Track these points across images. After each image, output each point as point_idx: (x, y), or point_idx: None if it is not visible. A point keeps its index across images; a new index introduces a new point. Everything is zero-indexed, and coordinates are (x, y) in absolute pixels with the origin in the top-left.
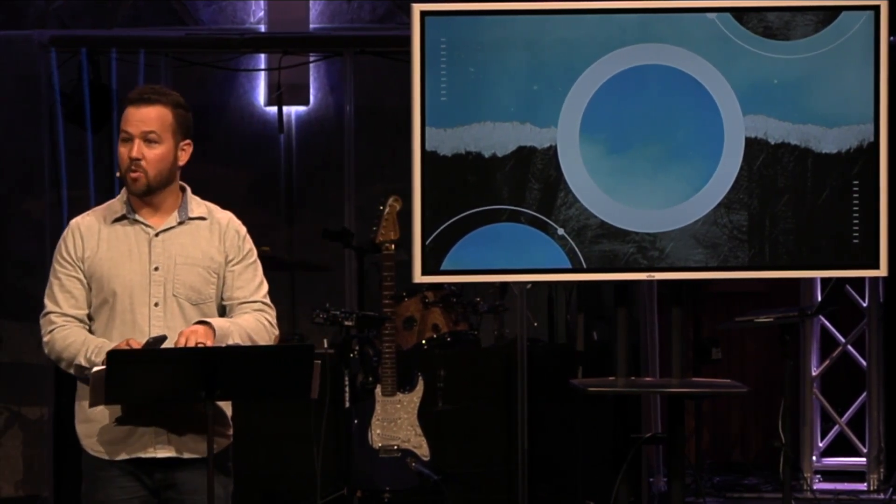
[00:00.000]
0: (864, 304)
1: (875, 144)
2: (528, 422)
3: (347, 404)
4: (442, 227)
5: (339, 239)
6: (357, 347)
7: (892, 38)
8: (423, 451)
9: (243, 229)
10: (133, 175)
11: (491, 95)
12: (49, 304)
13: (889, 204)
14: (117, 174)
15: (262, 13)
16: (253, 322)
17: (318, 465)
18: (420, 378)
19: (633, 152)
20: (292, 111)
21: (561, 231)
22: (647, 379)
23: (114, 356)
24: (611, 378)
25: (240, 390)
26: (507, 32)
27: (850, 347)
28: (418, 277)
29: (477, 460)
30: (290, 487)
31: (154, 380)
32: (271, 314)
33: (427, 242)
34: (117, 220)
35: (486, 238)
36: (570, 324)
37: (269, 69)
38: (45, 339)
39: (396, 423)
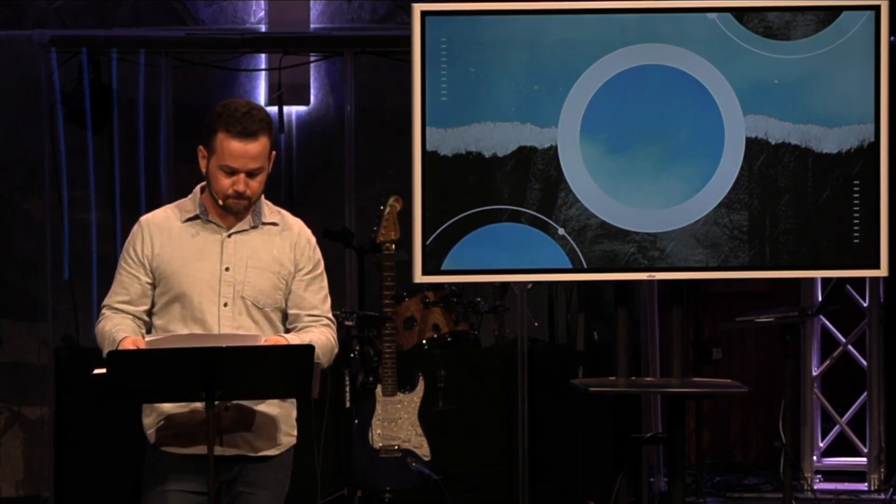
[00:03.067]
0: (865, 304)
1: (875, 144)
2: (528, 422)
3: (348, 404)
4: (442, 227)
5: (339, 239)
6: (358, 347)
7: (892, 37)
8: (424, 451)
9: (314, 239)
10: (236, 202)
11: (491, 95)
12: (107, 298)
13: (889, 204)
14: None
15: (262, 13)
16: (324, 339)
17: (318, 465)
18: (420, 378)
19: (633, 152)
20: (293, 111)
21: (561, 231)
22: (648, 379)
23: (114, 356)
24: (611, 378)
25: (240, 390)
26: (508, 32)
27: (850, 347)
28: (419, 277)
29: (477, 460)
30: (290, 487)
31: (154, 380)
32: (335, 329)
33: (427, 242)
34: (190, 219)
35: (487, 238)
36: (570, 324)
37: (269, 69)
38: (96, 329)
39: (397, 423)
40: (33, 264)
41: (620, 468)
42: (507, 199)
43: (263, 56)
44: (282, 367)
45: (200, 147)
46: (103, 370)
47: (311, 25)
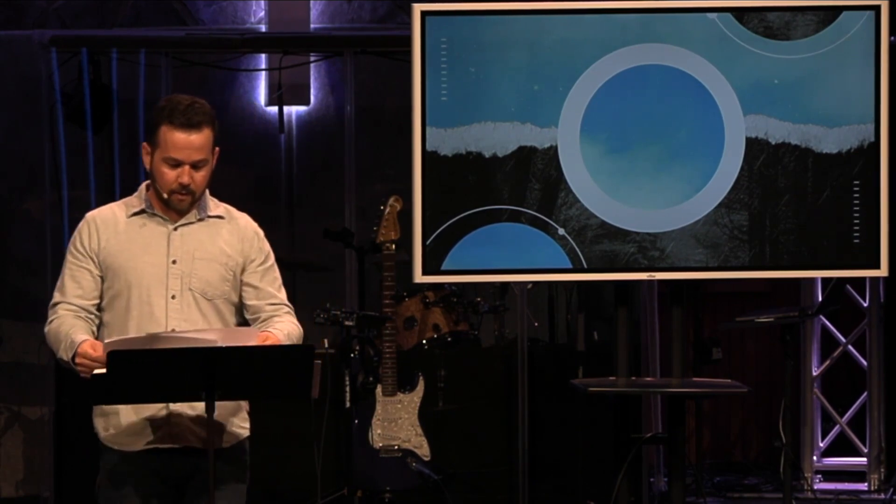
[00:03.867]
0: (865, 304)
1: (876, 144)
2: (528, 422)
3: (348, 404)
4: (442, 227)
5: (339, 239)
6: (358, 347)
7: (892, 38)
8: (424, 451)
9: (261, 231)
10: (180, 197)
11: (491, 95)
12: (57, 294)
13: (890, 204)
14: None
15: (262, 13)
16: (296, 330)
17: (318, 465)
18: (420, 378)
19: (633, 152)
20: (293, 111)
21: (561, 231)
22: (648, 379)
23: (114, 356)
24: (611, 378)
25: (240, 390)
26: (508, 32)
27: (850, 347)
28: (419, 277)
29: (477, 460)
30: (290, 487)
31: (154, 380)
32: (294, 316)
33: (428, 242)
34: (135, 213)
35: (487, 238)
36: (570, 324)
37: (269, 69)
38: (46, 328)
39: (397, 423)
40: (33, 264)
41: (620, 468)
42: (507, 199)
43: (263, 56)
44: (282, 367)
45: (144, 144)
46: (103, 370)
47: (311, 25)
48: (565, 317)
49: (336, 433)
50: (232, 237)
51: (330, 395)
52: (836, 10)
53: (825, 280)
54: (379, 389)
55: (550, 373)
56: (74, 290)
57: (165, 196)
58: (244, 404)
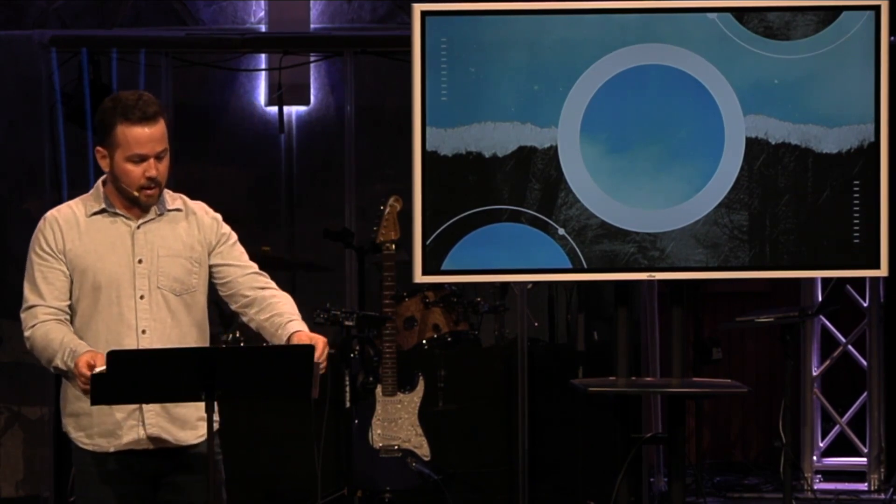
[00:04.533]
0: (865, 304)
1: (876, 144)
2: (528, 422)
3: (348, 404)
4: (442, 227)
5: (339, 239)
6: (358, 347)
7: (892, 38)
8: (424, 450)
9: (218, 216)
10: (149, 192)
11: (491, 95)
12: (32, 298)
13: (890, 204)
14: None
15: (262, 13)
16: (292, 303)
17: (318, 465)
18: (421, 378)
19: (633, 152)
20: (293, 111)
21: (561, 231)
22: (648, 379)
23: (114, 356)
24: (611, 378)
25: (240, 390)
26: (508, 32)
27: (850, 347)
28: (419, 277)
29: (477, 460)
30: (290, 487)
31: (154, 380)
32: (272, 282)
33: (428, 242)
34: (96, 213)
35: (487, 238)
36: (570, 324)
37: (269, 69)
38: (27, 333)
39: (397, 423)
40: None
41: (620, 468)
42: (507, 199)
43: (263, 56)
44: (282, 367)
45: (98, 148)
46: (103, 369)
47: (311, 25)
48: (565, 317)
49: (336, 433)
50: (192, 228)
51: (330, 395)
52: (836, 10)
53: (825, 280)
54: (379, 389)
55: (550, 373)
56: (51, 291)
57: (135, 194)
58: None
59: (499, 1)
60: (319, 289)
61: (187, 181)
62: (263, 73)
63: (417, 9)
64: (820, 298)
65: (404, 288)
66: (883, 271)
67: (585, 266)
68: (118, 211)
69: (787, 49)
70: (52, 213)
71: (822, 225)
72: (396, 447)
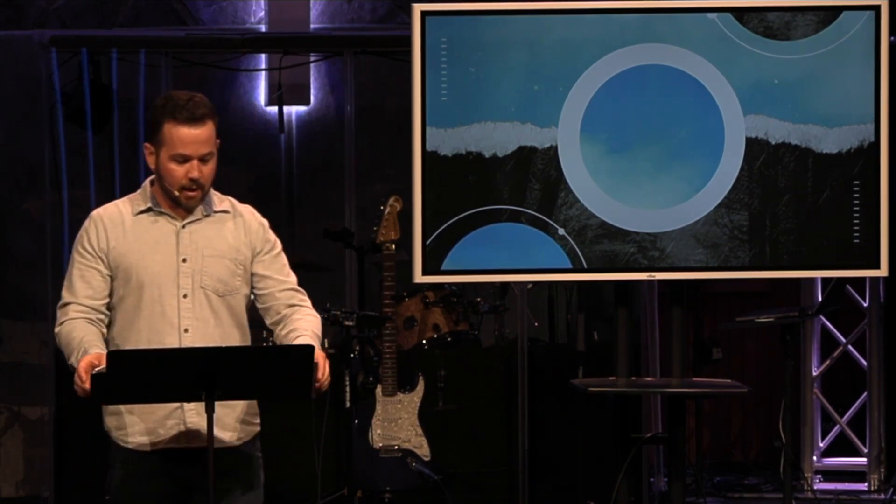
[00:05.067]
0: (865, 304)
1: (876, 144)
2: (528, 422)
3: (348, 404)
4: (442, 227)
5: (339, 239)
6: (358, 347)
7: (892, 38)
8: (424, 451)
9: (265, 221)
10: (191, 193)
11: (491, 95)
12: (66, 295)
13: (890, 204)
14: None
15: (262, 13)
16: (317, 322)
17: (318, 465)
18: (421, 378)
19: (633, 152)
20: (293, 111)
21: (561, 231)
22: (648, 379)
23: (114, 356)
24: (611, 378)
25: (240, 390)
26: (508, 32)
27: (850, 347)
28: (419, 277)
29: (477, 460)
30: (290, 487)
31: (154, 380)
32: (308, 301)
33: (428, 242)
34: (142, 212)
35: (487, 238)
36: (570, 324)
37: (269, 69)
38: (57, 329)
39: (397, 423)
40: (33, 264)
41: (620, 468)
42: (507, 199)
43: (263, 56)
44: (281, 367)
45: (147, 144)
46: (103, 368)
47: (311, 25)
48: (565, 317)
49: (336, 433)
50: (238, 230)
51: (330, 395)
52: (836, 10)
53: (825, 280)
54: (379, 389)
55: (550, 373)
56: (84, 290)
57: (176, 193)
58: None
59: (499, 1)
60: (319, 289)
61: None
62: (263, 73)
63: (417, 9)
64: (820, 298)
65: (404, 288)
66: (883, 271)
67: (585, 266)
68: (164, 210)
69: (787, 49)
70: (97, 212)
71: (822, 225)
72: (396, 447)
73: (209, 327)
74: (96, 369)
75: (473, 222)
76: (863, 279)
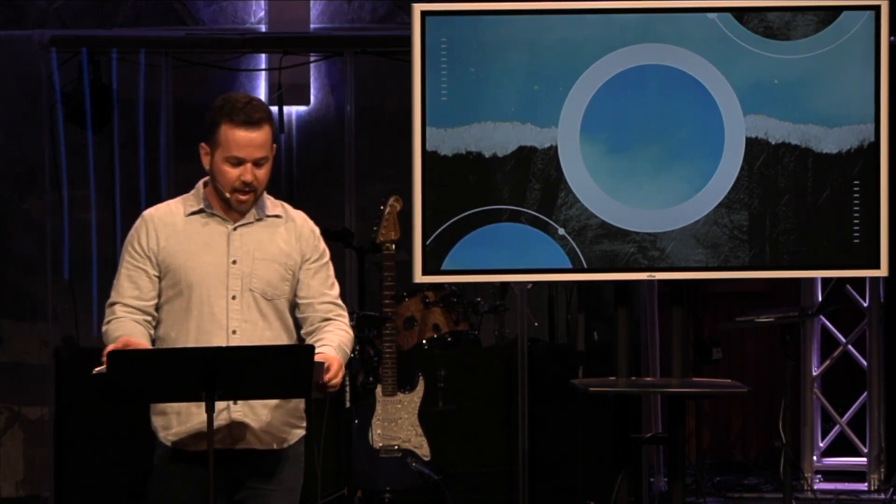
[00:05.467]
0: (865, 304)
1: (876, 144)
2: (528, 422)
3: (348, 404)
4: (442, 227)
5: (339, 239)
6: (358, 347)
7: (892, 38)
8: (424, 450)
9: (317, 230)
10: (243, 197)
11: (491, 95)
12: (114, 294)
13: (890, 204)
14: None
15: (262, 13)
16: (347, 337)
17: (318, 465)
18: (421, 378)
19: (633, 152)
20: (293, 111)
21: (561, 231)
22: (648, 379)
23: (114, 356)
24: (611, 378)
25: (240, 390)
26: (508, 32)
27: (850, 347)
28: (419, 277)
29: (477, 460)
30: None
31: (154, 380)
32: (346, 316)
33: (428, 242)
34: (194, 213)
35: (487, 238)
36: (570, 324)
37: (269, 69)
38: (104, 328)
39: (397, 422)
40: (33, 264)
41: (620, 468)
42: (507, 199)
43: (263, 56)
44: (281, 367)
45: (202, 144)
46: (103, 368)
47: (311, 25)
48: (565, 317)
49: (336, 433)
50: (290, 236)
51: (330, 395)
52: (836, 10)
53: (825, 280)
54: (379, 389)
55: (550, 373)
56: (131, 290)
57: (227, 195)
58: (301, 402)
59: (499, 1)
60: None
61: (187, 181)
62: (263, 73)
63: (417, 9)
64: (820, 298)
65: (404, 288)
66: (883, 271)
67: (585, 266)
68: (216, 212)
69: (787, 49)
70: (149, 212)
71: (822, 225)
72: (396, 447)
73: (257, 329)
74: (97, 369)
75: (473, 222)
76: (863, 279)
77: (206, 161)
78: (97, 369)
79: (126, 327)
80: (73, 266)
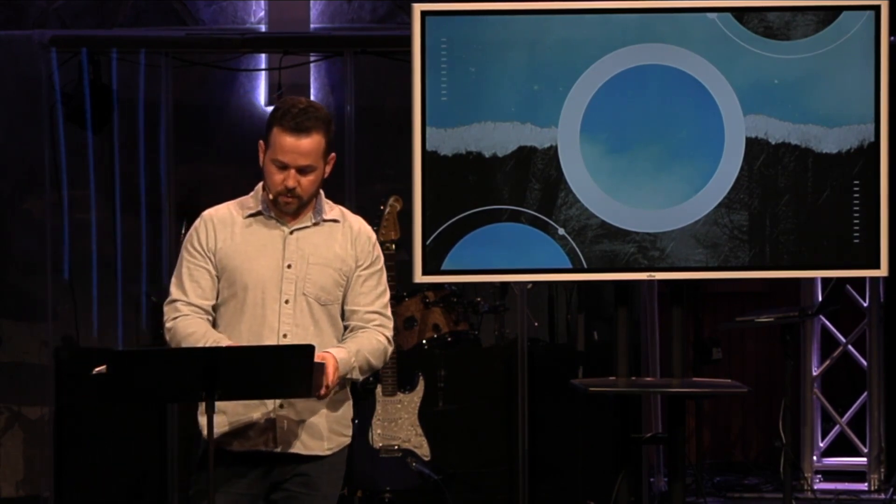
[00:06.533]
0: (865, 304)
1: (875, 144)
2: (528, 422)
3: None
4: (442, 227)
5: None
6: None
7: (892, 38)
8: (424, 450)
9: (374, 236)
10: (286, 199)
11: (491, 95)
12: (176, 292)
13: (889, 204)
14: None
15: (262, 13)
16: (375, 344)
17: None
18: (421, 378)
19: (633, 152)
20: None
21: (561, 231)
22: (648, 379)
23: (114, 356)
24: (611, 378)
25: (240, 390)
26: (508, 32)
27: (850, 347)
28: (419, 277)
29: (477, 460)
30: None
31: (154, 380)
32: (389, 327)
33: (428, 242)
34: (252, 215)
35: (487, 238)
36: (570, 324)
37: (269, 69)
38: (168, 325)
39: (397, 422)
40: (33, 264)
41: (620, 468)
42: (507, 199)
43: (263, 56)
44: (282, 367)
45: (260, 142)
46: (103, 368)
47: (311, 25)
48: (565, 317)
49: None
50: (346, 241)
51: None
52: (836, 10)
53: (825, 280)
54: (379, 389)
55: (550, 373)
56: (195, 289)
57: (272, 197)
58: (350, 409)
59: (499, 1)
60: None
61: (187, 181)
62: (263, 73)
63: (417, 9)
64: (820, 298)
65: (404, 288)
66: (883, 271)
67: (585, 266)
68: (273, 215)
69: (786, 49)
70: (208, 212)
71: (822, 225)
72: (396, 447)
73: (308, 334)
74: (97, 369)
75: (473, 222)
76: (863, 279)
77: (261, 159)
78: (97, 369)
79: (200, 325)
80: (73, 266)
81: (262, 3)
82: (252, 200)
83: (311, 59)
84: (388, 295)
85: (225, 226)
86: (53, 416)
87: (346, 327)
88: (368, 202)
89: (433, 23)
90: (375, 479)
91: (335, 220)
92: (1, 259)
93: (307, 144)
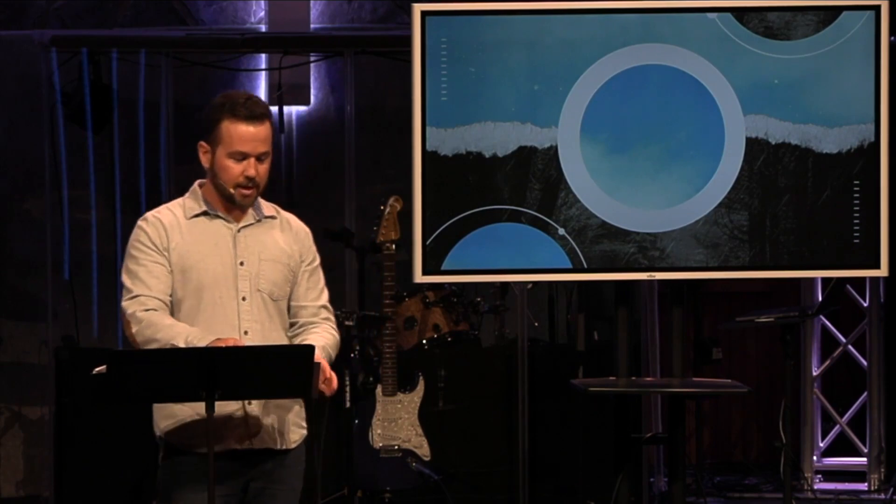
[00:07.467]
0: (865, 304)
1: (876, 144)
2: (528, 422)
3: (348, 404)
4: (443, 227)
5: (339, 239)
6: (358, 347)
7: (892, 38)
8: (424, 450)
9: (310, 231)
10: (246, 191)
11: (492, 95)
12: (137, 287)
13: (890, 204)
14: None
15: (262, 13)
16: (331, 339)
17: (318, 465)
18: (421, 378)
19: (633, 152)
20: (293, 111)
21: (562, 231)
22: (648, 379)
23: (114, 356)
24: (611, 378)
25: (240, 390)
26: (508, 32)
27: (850, 347)
28: (419, 277)
29: (478, 460)
30: None
31: (154, 380)
32: (333, 321)
33: (428, 242)
34: (195, 216)
35: (487, 238)
36: (570, 324)
37: (269, 69)
38: (140, 315)
39: (397, 423)
40: (33, 264)
41: (620, 468)
42: (508, 199)
43: (263, 56)
44: (282, 367)
45: (201, 143)
46: (103, 368)
47: (312, 25)
48: (565, 317)
49: (336, 433)
50: (287, 236)
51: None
52: (836, 10)
53: (825, 280)
54: (379, 389)
55: (551, 373)
56: (156, 284)
57: (231, 191)
58: (300, 402)
59: (499, 1)
60: None
61: (188, 181)
62: (263, 73)
63: (417, 9)
64: (820, 298)
65: (404, 288)
66: (883, 271)
67: (585, 266)
68: (219, 213)
69: (787, 49)
70: (152, 214)
71: (822, 225)
72: (396, 447)
73: (266, 330)
74: (97, 369)
75: (473, 222)
76: (863, 279)
77: (205, 160)
78: (97, 369)
79: (170, 317)
80: (73, 266)
81: (262, 3)
82: (191, 202)
83: (311, 59)
84: (326, 290)
85: (173, 227)
86: (53, 416)
87: (292, 322)
88: (368, 202)
89: (433, 23)
90: (376, 479)
91: (272, 217)
92: (1, 259)
93: (264, 131)
